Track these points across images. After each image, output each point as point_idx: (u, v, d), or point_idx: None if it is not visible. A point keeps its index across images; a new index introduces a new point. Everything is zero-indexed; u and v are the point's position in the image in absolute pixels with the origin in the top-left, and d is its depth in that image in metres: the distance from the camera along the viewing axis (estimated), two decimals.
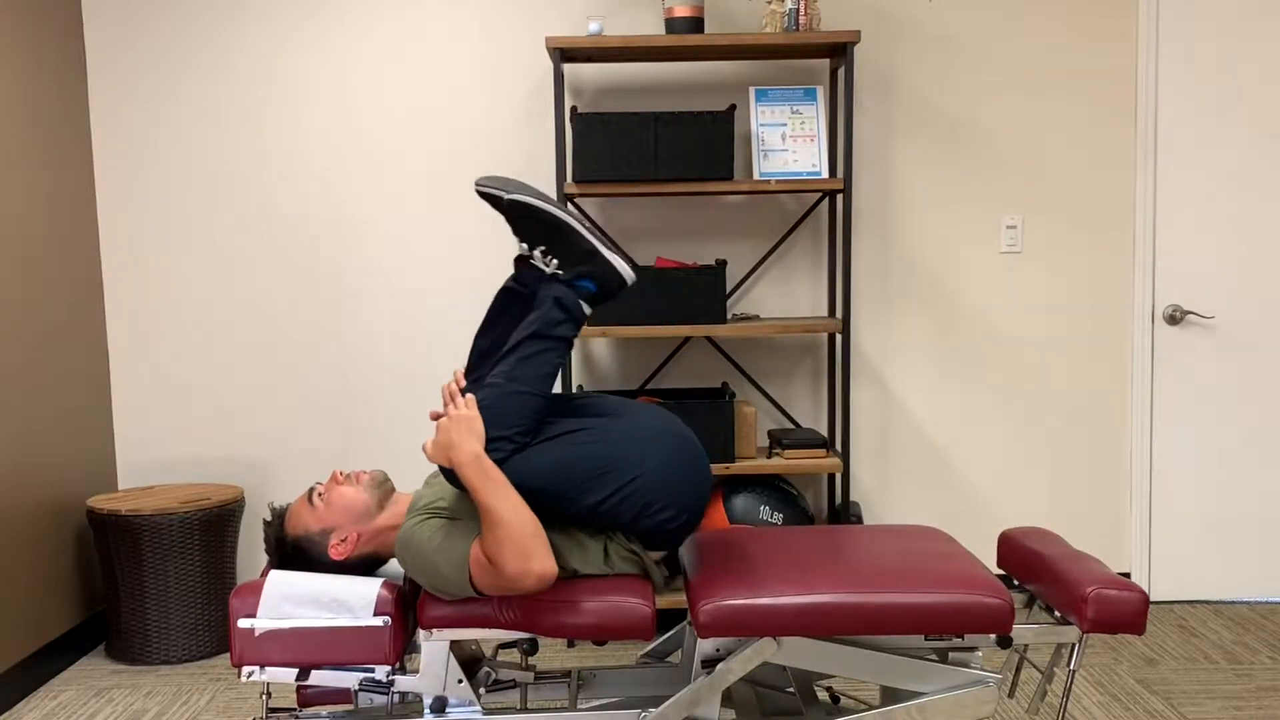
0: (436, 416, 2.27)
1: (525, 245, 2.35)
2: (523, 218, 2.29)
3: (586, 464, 2.22)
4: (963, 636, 2.29)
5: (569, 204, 3.93)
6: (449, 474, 2.22)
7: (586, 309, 2.30)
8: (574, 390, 3.92)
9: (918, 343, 4.07)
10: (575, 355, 4.04)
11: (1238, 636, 3.77)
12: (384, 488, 2.39)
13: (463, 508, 2.29)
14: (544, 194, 2.29)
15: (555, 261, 2.30)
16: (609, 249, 2.27)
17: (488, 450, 2.18)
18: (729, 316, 3.95)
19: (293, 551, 2.37)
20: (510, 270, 4.00)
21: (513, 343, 2.26)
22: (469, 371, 2.39)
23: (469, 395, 2.23)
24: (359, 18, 3.94)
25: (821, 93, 3.79)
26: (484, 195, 2.32)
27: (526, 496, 2.19)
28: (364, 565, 2.38)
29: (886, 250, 4.04)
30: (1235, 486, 4.07)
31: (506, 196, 2.28)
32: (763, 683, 2.63)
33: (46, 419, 3.61)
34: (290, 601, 2.26)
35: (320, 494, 2.37)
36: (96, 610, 3.92)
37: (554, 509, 2.23)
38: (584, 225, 2.28)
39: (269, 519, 2.42)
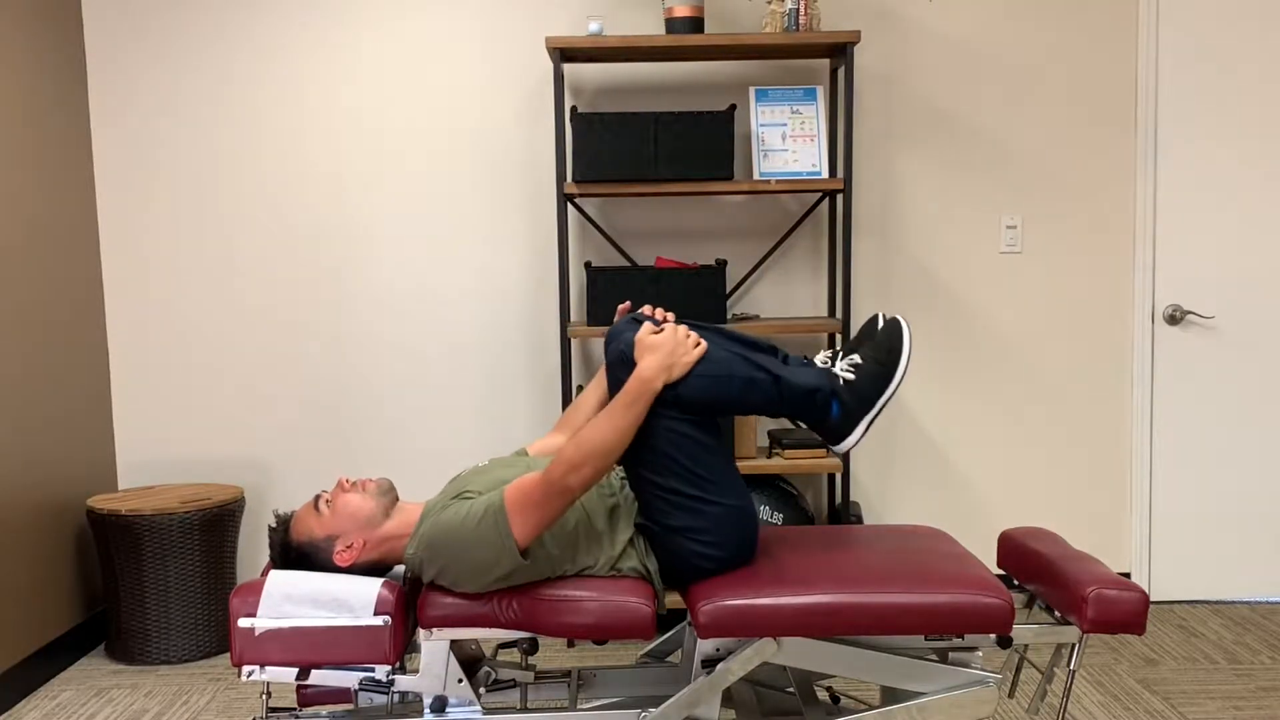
0: (630, 309, 2.34)
1: (847, 348, 2.42)
2: (882, 334, 2.35)
3: (696, 459, 2.27)
4: (963, 636, 2.29)
5: (569, 203, 3.94)
6: (619, 364, 2.27)
7: (812, 420, 2.35)
8: (574, 391, 3.92)
9: (918, 343, 4.07)
10: (576, 354, 4.04)
11: (1238, 636, 3.77)
12: (389, 495, 2.41)
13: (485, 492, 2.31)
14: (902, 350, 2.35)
15: (850, 376, 2.33)
16: (869, 422, 2.33)
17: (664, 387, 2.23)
18: (729, 316, 3.95)
19: (298, 558, 2.38)
20: (515, 268, 4.02)
21: (764, 365, 2.30)
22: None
23: (704, 344, 2.27)
24: (359, 17, 3.94)
25: (821, 93, 3.79)
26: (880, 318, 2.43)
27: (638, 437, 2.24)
28: (369, 573, 2.38)
29: (886, 250, 4.04)
30: (1235, 486, 4.07)
31: (891, 315, 2.38)
32: (763, 683, 2.63)
33: (46, 419, 3.61)
34: (291, 601, 2.26)
35: (326, 501, 2.38)
36: (96, 610, 3.92)
37: (639, 461, 2.28)
38: (892, 394, 2.33)
39: (274, 525, 2.43)
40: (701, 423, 2.28)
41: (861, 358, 2.35)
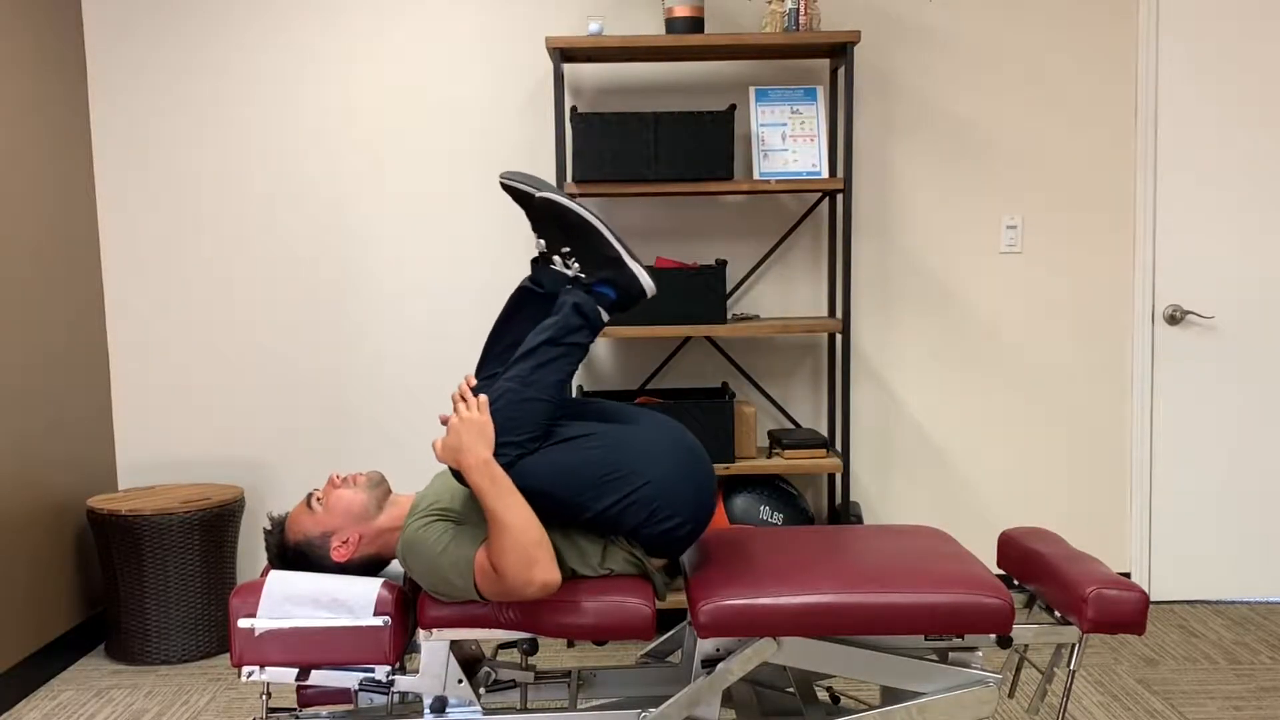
0: (446, 420, 2.27)
1: (544, 243, 2.35)
2: (550, 218, 2.28)
3: (593, 470, 2.22)
4: (963, 636, 2.29)
5: None
6: (457, 475, 2.22)
7: (605, 316, 2.29)
8: (575, 392, 3.92)
9: (918, 343, 4.07)
10: None
11: (1238, 636, 3.77)
12: (381, 488, 2.40)
13: (468, 512, 2.29)
14: (572, 197, 2.26)
15: (577, 265, 2.29)
16: (632, 258, 2.28)
17: (496, 455, 2.18)
18: (729, 316, 3.95)
19: (295, 558, 2.37)
20: (515, 268, 4.02)
21: (528, 346, 2.25)
22: (480, 369, 2.39)
23: (481, 397, 2.22)
24: (359, 18, 3.94)
25: (821, 93, 3.79)
26: (509, 189, 2.30)
27: (532, 500, 2.19)
28: (367, 567, 2.38)
29: (886, 250, 4.04)
30: (1235, 486, 4.07)
31: (538, 194, 2.27)
32: (763, 683, 2.63)
33: (47, 419, 3.61)
34: (290, 601, 2.26)
35: (318, 498, 2.37)
36: (96, 610, 3.92)
37: (559, 513, 2.23)
38: (611, 231, 2.27)
39: (269, 528, 2.42)
40: (560, 440, 2.23)
41: (568, 246, 2.30)
